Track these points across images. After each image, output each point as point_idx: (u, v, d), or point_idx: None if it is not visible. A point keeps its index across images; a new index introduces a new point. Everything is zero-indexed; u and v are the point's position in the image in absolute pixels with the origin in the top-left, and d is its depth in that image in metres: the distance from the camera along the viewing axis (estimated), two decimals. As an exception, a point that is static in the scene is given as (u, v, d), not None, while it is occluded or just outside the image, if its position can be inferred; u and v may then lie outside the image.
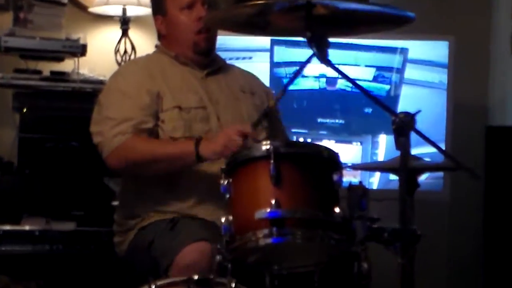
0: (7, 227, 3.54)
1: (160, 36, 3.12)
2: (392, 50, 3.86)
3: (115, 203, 3.05)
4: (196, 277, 2.10)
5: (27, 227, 3.57)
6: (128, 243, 2.89)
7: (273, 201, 2.15)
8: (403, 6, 2.40)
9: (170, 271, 2.55)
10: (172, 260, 2.56)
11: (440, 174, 3.80)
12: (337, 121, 3.84)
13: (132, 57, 4.02)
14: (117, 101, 2.88)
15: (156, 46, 3.14)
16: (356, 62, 3.84)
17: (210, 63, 3.07)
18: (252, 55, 3.82)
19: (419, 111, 2.20)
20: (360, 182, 2.33)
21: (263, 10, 2.38)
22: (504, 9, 4.34)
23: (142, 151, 2.78)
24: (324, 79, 3.83)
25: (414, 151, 2.24)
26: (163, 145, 2.81)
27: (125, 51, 4.05)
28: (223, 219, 2.22)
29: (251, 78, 3.22)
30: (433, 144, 2.29)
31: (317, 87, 3.84)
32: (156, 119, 2.85)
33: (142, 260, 2.76)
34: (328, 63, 2.31)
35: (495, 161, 4.20)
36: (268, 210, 2.14)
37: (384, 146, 3.82)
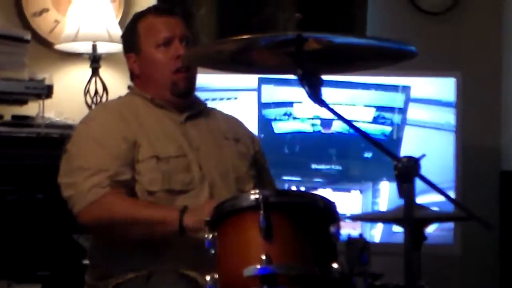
0: (-36, 293, 3.55)
1: (133, 76, 3.12)
2: (393, 88, 3.88)
3: (86, 261, 3.04)
4: None
5: (-14, 291, 3.58)
6: (100, 307, 2.89)
7: (263, 257, 2.15)
8: (405, 40, 2.42)
9: None
10: None
11: (450, 225, 3.80)
12: (333, 167, 3.85)
13: (104, 98, 4.03)
14: (90, 149, 2.88)
15: (129, 87, 3.14)
16: (353, 102, 3.86)
17: (190, 106, 3.07)
18: (238, 95, 3.85)
19: (424, 155, 2.21)
20: (360, 235, 2.33)
21: (248, 45, 2.40)
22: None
23: (120, 210, 2.76)
24: (318, 121, 3.84)
25: (420, 200, 2.26)
26: (145, 207, 2.79)
27: (96, 92, 4.07)
28: (207, 277, 2.22)
29: (235, 123, 3.24)
30: (441, 191, 2.30)
31: (311, 130, 3.86)
32: (132, 170, 2.86)
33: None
34: (322, 103, 2.31)
35: (511, 209, 4.22)
36: (258, 266, 2.15)
37: (386, 194, 3.83)
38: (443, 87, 3.89)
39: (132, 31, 3.08)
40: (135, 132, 2.91)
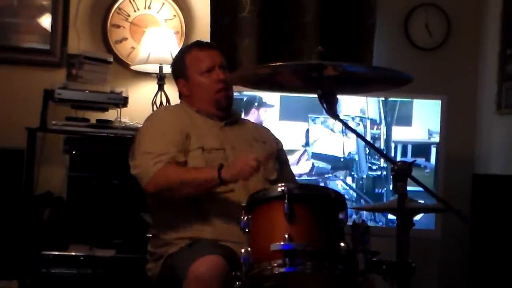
0: (56, 253, 3.55)
1: (181, 96, 3.14)
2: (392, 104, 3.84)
3: (148, 234, 3.04)
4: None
5: (73, 253, 3.58)
6: (158, 270, 2.88)
7: (286, 236, 2.16)
8: (403, 70, 2.40)
9: (184, 284, 2.52)
10: (186, 272, 2.52)
11: (433, 215, 3.76)
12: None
13: (167, 108, 4.03)
14: (153, 138, 2.89)
15: (181, 102, 3.16)
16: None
17: (228, 116, 3.09)
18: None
19: (415, 160, 2.20)
20: (363, 220, 2.32)
21: (279, 70, 2.39)
22: (489, 74, 4.35)
23: (175, 175, 2.76)
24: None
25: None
26: (193, 170, 2.79)
27: (161, 103, 4.05)
28: (242, 250, 2.22)
29: (263, 129, 3.25)
30: (427, 188, 2.28)
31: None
32: (185, 156, 2.86)
33: (169, 283, 2.75)
34: (336, 117, 2.31)
35: (480, 205, 4.18)
36: (282, 243, 2.15)
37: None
38: (432, 106, 3.83)
39: (181, 62, 3.10)
40: (188, 127, 2.92)
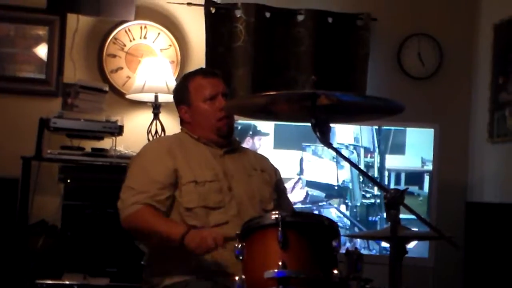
0: (50, 282, 3.55)
1: (182, 122, 3.13)
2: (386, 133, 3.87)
3: (143, 262, 3.04)
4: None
5: (67, 282, 3.58)
6: (154, 299, 2.88)
7: (280, 263, 2.15)
8: (396, 98, 2.41)
9: None
10: None
11: (426, 243, 3.77)
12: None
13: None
14: (137, 174, 2.89)
15: (182, 129, 3.16)
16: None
17: (228, 144, 3.10)
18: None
19: (407, 188, 2.20)
20: (356, 248, 2.33)
21: (274, 99, 2.40)
22: (482, 103, 4.39)
23: (146, 223, 2.76)
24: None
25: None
26: (161, 223, 2.76)
27: (156, 132, 4.07)
28: (236, 278, 2.22)
29: (262, 158, 3.24)
30: (419, 216, 2.29)
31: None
32: (171, 190, 2.84)
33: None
34: (329, 146, 2.32)
35: (474, 233, 4.19)
36: (276, 270, 2.15)
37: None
38: (425, 134, 3.86)
39: (184, 88, 3.09)
40: (179, 162, 2.90)
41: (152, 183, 2.83)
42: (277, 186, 3.12)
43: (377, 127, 3.83)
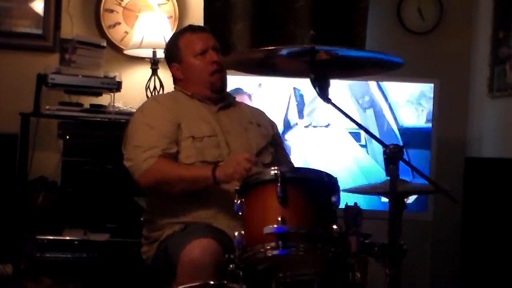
0: (51, 237, 3.57)
1: (175, 80, 3.13)
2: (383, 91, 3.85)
3: (142, 218, 3.06)
4: (211, 282, 2.11)
5: (67, 237, 3.61)
6: (153, 253, 2.90)
7: (279, 218, 2.16)
8: (395, 54, 2.40)
9: (178, 267, 2.54)
10: (179, 255, 2.54)
11: (425, 197, 3.78)
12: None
13: (160, 92, 4.03)
14: (143, 131, 2.89)
15: (175, 88, 3.16)
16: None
17: (222, 99, 3.09)
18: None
19: (406, 144, 2.20)
20: (355, 203, 2.32)
21: (273, 54, 2.39)
22: (482, 56, 4.36)
23: (168, 171, 2.78)
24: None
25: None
26: (187, 168, 2.81)
27: (154, 88, 4.06)
28: (236, 233, 2.23)
29: (258, 112, 3.24)
30: (418, 171, 2.29)
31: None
32: (177, 145, 2.86)
33: (163, 266, 2.77)
34: (328, 101, 2.31)
35: (473, 187, 4.20)
36: (275, 226, 2.16)
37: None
38: (424, 90, 3.84)
39: (174, 46, 3.10)
40: (178, 117, 2.91)
41: (160, 139, 2.84)
42: (274, 140, 3.12)
43: (375, 82, 3.81)
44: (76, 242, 3.59)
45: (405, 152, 2.21)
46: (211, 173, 2.67)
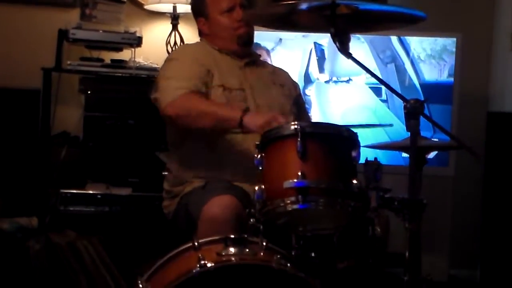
0: (74, 191, 3.62)
1: (201, 34, 3.12)
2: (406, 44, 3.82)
3: (164, 172, 3.08)
4: (232, 235, 2.12)
5: (90, 191, 3.65)
6: (174, 207, 2.93)
7: (299, 173, 2.16)
8: (417, 6, 2.37)
9: (199, 223, 2.56)
10: (200, 211, 2.57)
11: (447, 153, 3.77)
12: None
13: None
14: (176, 68, 2.88)
15: (201, 39, 3.15)
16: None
17: (248, 55, 3.08)
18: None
19: (427, 99, 2.19)
20: (375, 158, 2.30)
21: (293, 9, 2.37)
22: (505, 10, 4.30)
23: (196, 104, 2.73)
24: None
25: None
26: (216, 104, 2.78)
27: (175, 43, 4.06)
28: (256, 188, 2.24)
29: (281, 72, 3.23)
30: (439, 126, 2.28)
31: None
32: (207, 89, 2.85)
33: (184, 221, 2.80)
34: (349, 55, 2.30)
35: (495, 142, 4.18)
36: (295, 180, 2.16)
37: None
38: (447, 44, 3.80)
39: (201, 1, 3.07)
40: (209, 64, 2.91)
41: (192, 76, 2.82)
42: (297, 100, 3.12)
43: (396, 36, 3.77)
44: (99, 196, 3.63)
45: (426, 107, 2.19)
46: (239, 116, 2.60)
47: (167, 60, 3.00)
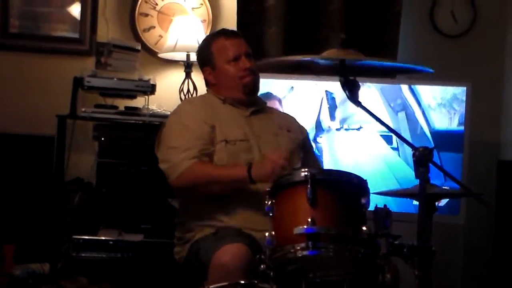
0: (86, 237, 3.62)
1: (208, 84, 3.16)
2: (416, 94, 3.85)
3: (176, 219, 3.10)
4: (242, 281, 2.13)
5: (102, 237, 3.65)
6: (185, 253, 2.94)
7: (309, 219, 2.18)
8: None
9: (209, 270, 2.58)
10: (211, 259, 2.59)
11: (458, 200, 3.76)
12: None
13: (194, 96, 4.07)
14: (178, 133, 2.93)
15: (207, 90, 3.19)
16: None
17: (254, 103, 3.12)
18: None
19: (436, 146, 2.21)
20: (385, 205, 2.33)
21: (304, 60, 2.41)
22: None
23: (204, 174, 2.81)
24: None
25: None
26: (223, 169, 2.84)
27: (188, 91, 4.08)
28: (266, 234, 2.25)
29: (288, 117, 3.27)
30: (448, 173, 2.30)
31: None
32: (213, 146, 2.89)
33: (195, 267, 2.81)
34: (358, 104, 2.33)
35: (506, 191, 4.18)
36: (305, 226, 2.18)
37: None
38: (457, 93, 3.82)
39: (207, 50, 3.12)
40: (213, 119, 2.95)
41: (196, 139, 2.88)
42: (304, 144, 3.14)
43: (407, 85, 3.81)
44: (111, 242, 3.63)
45: (437, 155, 2.22)
46: (247, 173, 2.70)
47: (169, 123, 3.03)
